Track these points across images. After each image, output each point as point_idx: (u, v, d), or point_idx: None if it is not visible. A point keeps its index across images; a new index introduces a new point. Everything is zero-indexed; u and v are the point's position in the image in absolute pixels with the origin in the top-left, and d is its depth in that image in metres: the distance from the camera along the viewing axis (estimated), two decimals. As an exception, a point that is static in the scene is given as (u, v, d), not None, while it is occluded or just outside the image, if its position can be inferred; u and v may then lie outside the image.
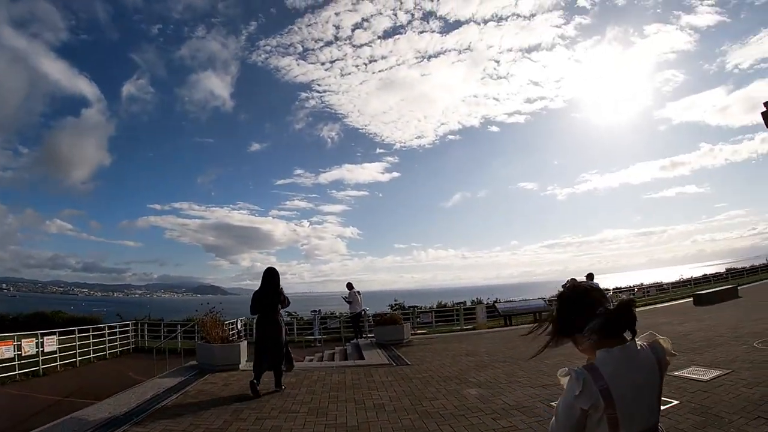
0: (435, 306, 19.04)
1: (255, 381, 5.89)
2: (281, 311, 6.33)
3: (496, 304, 16.52)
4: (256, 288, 6.25)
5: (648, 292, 21.70)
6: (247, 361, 8.00)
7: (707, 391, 4.83)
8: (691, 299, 14.53)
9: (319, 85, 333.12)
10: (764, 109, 4.36)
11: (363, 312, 12.84)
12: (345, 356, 10.32)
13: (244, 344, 8.37)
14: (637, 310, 1.31)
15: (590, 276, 12.16)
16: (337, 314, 17.72)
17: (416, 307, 17.88)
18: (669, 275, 34.11)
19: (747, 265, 32.13)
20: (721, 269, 32.35)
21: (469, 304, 19.33)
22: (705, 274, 28.68)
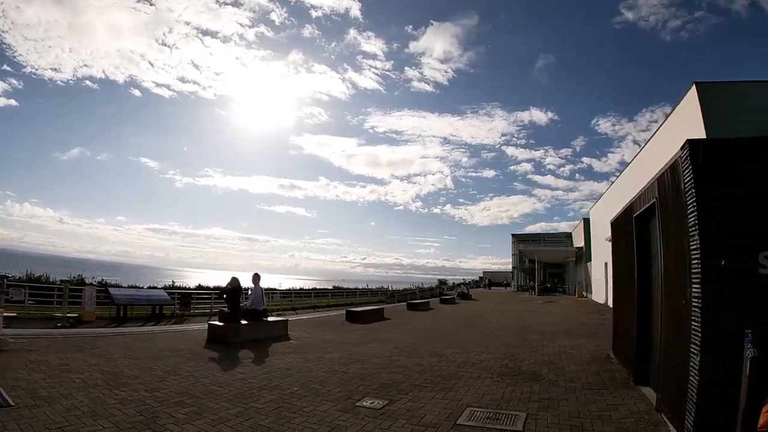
0: (25, 278, 15.09)
1: None
2: None
3: (110, 289, 13.67)
4: None
5: (272, 296, 20.34)
6: None
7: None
8: (342, 314, 14.28)
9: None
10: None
11: None
12: None
13: None
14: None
15: (256, 276, 10.25)
16: None
17: (5, 276, 11.92)
18: (269, 281, 34.84)
19: (352, 286, 36.51)
20: (328, 286, 36.67)
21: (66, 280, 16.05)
22: (315, 288, 31.22)
